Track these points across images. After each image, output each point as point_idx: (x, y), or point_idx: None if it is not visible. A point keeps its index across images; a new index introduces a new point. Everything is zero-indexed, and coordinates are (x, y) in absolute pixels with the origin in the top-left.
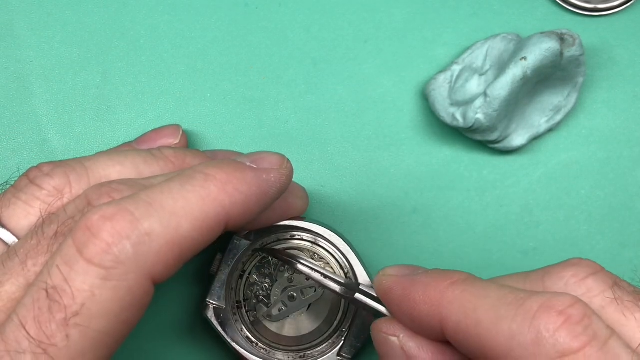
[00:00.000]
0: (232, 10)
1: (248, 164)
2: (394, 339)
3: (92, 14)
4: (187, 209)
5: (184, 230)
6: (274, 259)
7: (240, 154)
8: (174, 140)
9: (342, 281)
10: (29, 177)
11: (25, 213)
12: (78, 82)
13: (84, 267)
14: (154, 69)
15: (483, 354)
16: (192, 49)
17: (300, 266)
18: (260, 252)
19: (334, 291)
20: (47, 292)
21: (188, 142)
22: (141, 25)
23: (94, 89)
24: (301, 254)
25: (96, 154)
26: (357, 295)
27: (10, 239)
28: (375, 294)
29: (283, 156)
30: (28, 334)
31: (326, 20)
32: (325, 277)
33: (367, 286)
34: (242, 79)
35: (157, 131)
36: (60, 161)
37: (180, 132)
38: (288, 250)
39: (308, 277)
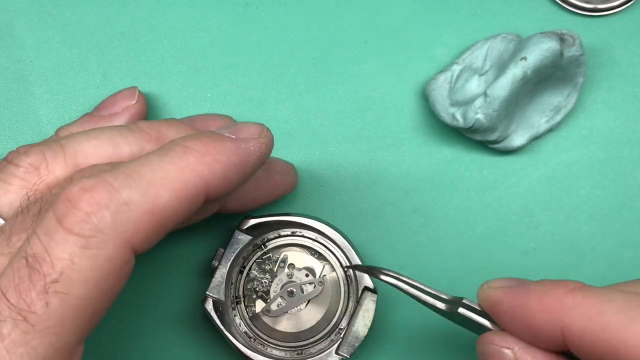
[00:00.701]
0: (232, 10)
1: (227, 134)
2: (507, 351)
3: (92, 14)
4: (166, 179)
5: (163, 200)
6: (275, 255)
7: (219, 116)
8: (132, 101)
9: (445, 296)
10: (7, 159)
11: (5, 191)
12: (78, 82)
13: (64, 237)
14: (154, 69)
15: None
16: (192, 49)
17: (385, 277)
18: (348, 269)
19: (433, 307)
20: (27, 260)
21: (148, 106)
22: (141, 25)
23: (94, 89)
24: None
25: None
26: (461, 310)
27: None
28: (479, 308)
29: (262, 125)
30: (9, 301)
31: (326, 20)
32: (423, 291)
33: (471, 300)
34: (242, 79)
35: (114, 95)
36: (37, 142)
37: (137, 93)
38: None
39: (409, 295)
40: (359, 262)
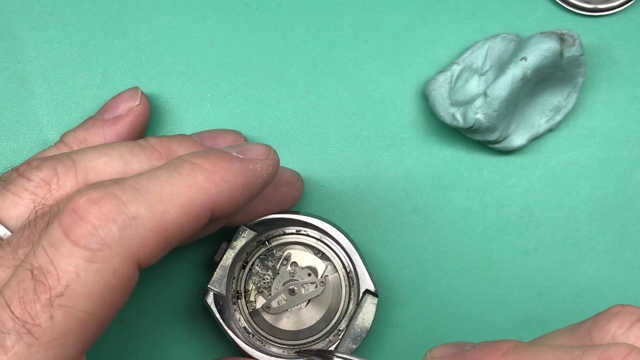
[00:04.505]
0: (232, 10)
1: (235, 154)
2: None
3: (92, 14)
4: (174, 195)
5: (170, 216)
6: (278, 252)
7: (228, 132)
8: (135, 103)
9: None
10: (18, 171)
11: (14, 203)
12: (78, 82)
13: (70, 249)
14: (154, 69)
15: None
16: (192, 49)
17: None
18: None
19: None
20: (32, 273)
21: (151, 106)
22: (141, 25)
23: (94, 89)
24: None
25: (84, 147)
26: None
27: None
28: None
29: (269, 147)
30: (13, 314)
31: (326, 20)
32: None
33: None
34: (242, 79)
35: (117, 97)
36: (49, 156)
37: (139, 94)
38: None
39: None
40: (362, 264)
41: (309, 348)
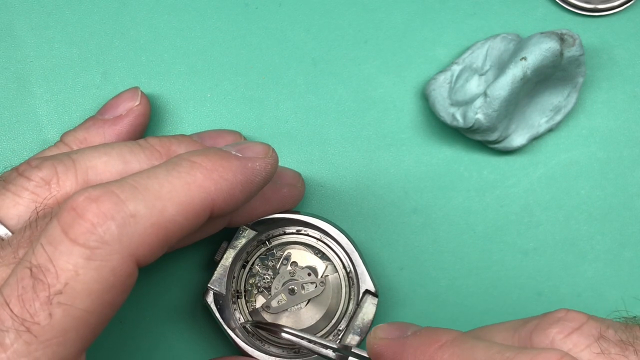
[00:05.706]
0: (232, 10)
1: (234, 152)
2: None
3: (92, 14)
4: (173, 193)
5: (169, 214)
6: (278, 252)
7: (228, 132)
8: (135, 103)
9: (334, 346)
10: (18, 171)
11: (14, 203)
12: (78, 82)
13: (68, 247)
14: (154, 69)
15: None
16: (192, 49)
17: (285, 335)
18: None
19: (326, 356)
20: (31, 271)
21: (151, 106)
22: (141, 25)
23: (94, 89)
24: (286, 326)
25: (84, 147)
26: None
27: None
28: (367, 356)
29: (268, 145)
30: (12, 311)
31: (326, 20)
32: (315, 343)
33: (360, 349)
34: (242, 79)
35: (117, 97)
36: (49, 156)
37: (140, 94)
38: (275, 323)
39: (298, 346)
40: (362, 264)
41: (259, 320)
